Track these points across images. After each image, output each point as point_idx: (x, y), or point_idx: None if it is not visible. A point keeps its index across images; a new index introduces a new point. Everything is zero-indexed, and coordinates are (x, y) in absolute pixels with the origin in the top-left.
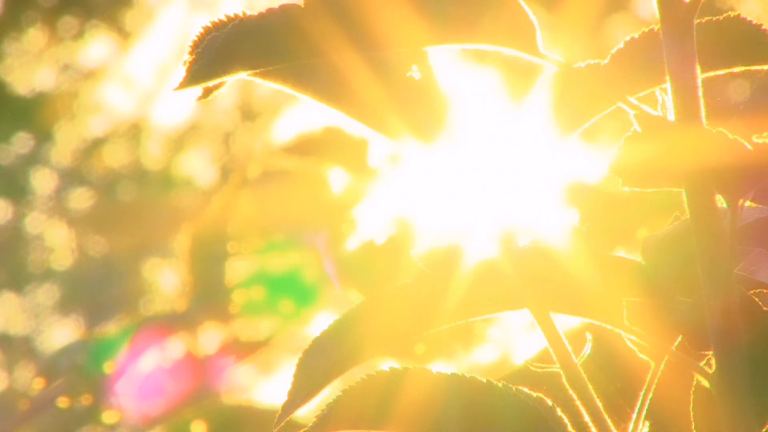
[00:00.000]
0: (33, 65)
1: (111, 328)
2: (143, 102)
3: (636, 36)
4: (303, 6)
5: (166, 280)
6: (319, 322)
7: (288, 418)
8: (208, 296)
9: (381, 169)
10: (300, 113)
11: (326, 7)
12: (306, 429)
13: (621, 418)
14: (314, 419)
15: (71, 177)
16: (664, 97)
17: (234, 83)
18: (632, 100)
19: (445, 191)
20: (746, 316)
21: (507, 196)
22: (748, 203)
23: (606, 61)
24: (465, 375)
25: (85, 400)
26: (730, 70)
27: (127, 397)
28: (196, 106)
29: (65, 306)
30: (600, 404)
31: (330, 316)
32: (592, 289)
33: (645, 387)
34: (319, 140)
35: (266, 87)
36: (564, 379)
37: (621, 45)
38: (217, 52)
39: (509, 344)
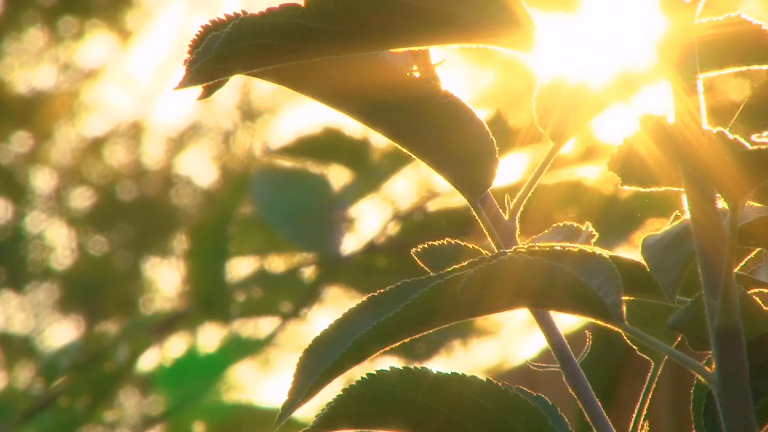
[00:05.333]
0: (33, 65)
1: (111, 328)
2: (143, 102)
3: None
4: (303, 6)
5: (166, 280)
6: (319, 322)
7: (288, 418)
8: (208, 296)
9: (380, 167)
10: (300, 113)
11: (326, 7)
12: (306, 428)
13: (621, 418)
14: (314, 419)
15: (71, 177)
16: (664, 97)
17: (234, 83)
18: (633, 99)
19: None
20: (746, 316)
21: None
22: (748, 203)
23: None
24: (465, 375)
25: (85, 400)
26: (730, 70)
27: None
28: (196, 105)
29: (65, 306)
30: (600, 404)
31: (330, 316)
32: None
33: (645, 387)
34: (319, 140)
35: (266, 86)
36: (564, 379)
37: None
38: (217, 51)
39: (509, 344)
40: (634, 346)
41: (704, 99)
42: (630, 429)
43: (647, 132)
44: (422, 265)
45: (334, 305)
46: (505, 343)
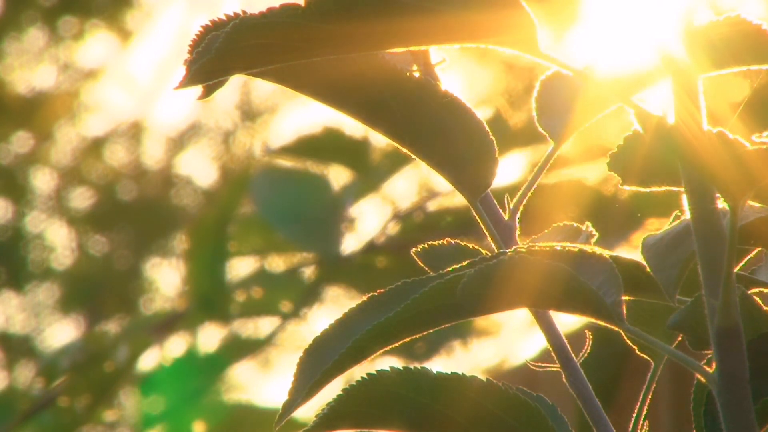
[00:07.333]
0: (33, 65)
1: (111, 328)
2: (143, 102)
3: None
4: (303, 6)
5: (166, 280)
6: (319, 322)
7: (288, 418)
8: (208, 296)
9: (380, 167)
10: (300, 113)
11: (326, 7)
12: (306, 428)
13: (621, 418)
14: (314, 419)
15: (71, 177)
16: (665, 97)
17: (234, 83)
18: (633, 99)
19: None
20: (746, 316)
21: None
22: (748, 203)
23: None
24: (465, 375)
25: (85, 400)
26: (730, 70)
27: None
28: (196, 105)
29: (65, 306)
30: (600, 404)
31: (330, 316)
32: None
33: (645, 387)
34: (319, 140)
35: (266, 86)
36: (564, 379)
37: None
38: (217, 51)
39: (509, 344)
40: (634, 346)
41: (704, 99)
42: (630, 429)
43: (647, 132)
44: (422, 265)
45: (334, 305)
46: (505, 343)
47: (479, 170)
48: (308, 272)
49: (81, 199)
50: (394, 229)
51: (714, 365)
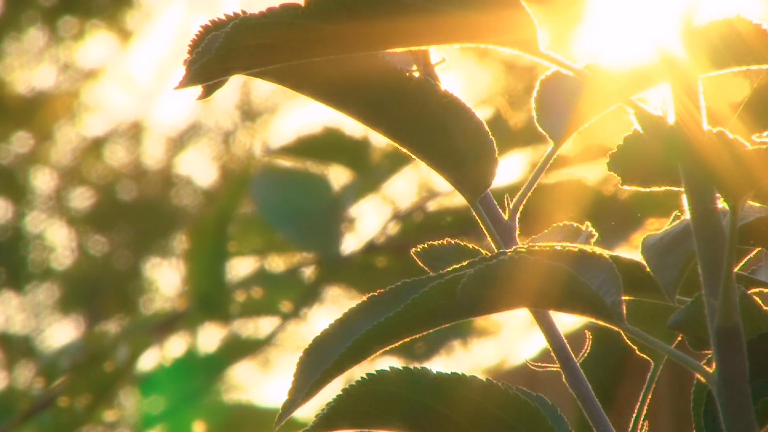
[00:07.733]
0: (33, 65)
1: (111, 328)
2: (143, 102)
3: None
4: (303, 5)
5: (166, 280)
6: (319, 322)
7: (288, 418)
8: (208, 296)
9: (380, 167)
10: (300, 113)
11: (326, 7)
12: (306, 428)
13: (621, 418)
14: (314, 419)
15: (71, 177)
16: (665, 97)
17: (234, 83)
18: (633, 99)
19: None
20: (746, 316)
21: None
22: (748, 203)
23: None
24: (465, 375)
25: (85, 400)
26: (730, 70)
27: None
28: (196, 105)
29: (65, 306)
30: (600, 404)
31: (330, 316)
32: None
33: (645, 387)
34: (319, 140)
35: (266, 86)
36: (564, 379)
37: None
38: (217, 51)
39: (509, 344)
40: (634, 346)
41: (704, 99)
42: (630, 429)
43: (647, 132)
44: (422, 265)
45: (334, 305)
46: (505, 343)
47: (479, 170)
48: (308, 272)
49: (81, 199)
50: (394, 229)
51: (714, 365)
